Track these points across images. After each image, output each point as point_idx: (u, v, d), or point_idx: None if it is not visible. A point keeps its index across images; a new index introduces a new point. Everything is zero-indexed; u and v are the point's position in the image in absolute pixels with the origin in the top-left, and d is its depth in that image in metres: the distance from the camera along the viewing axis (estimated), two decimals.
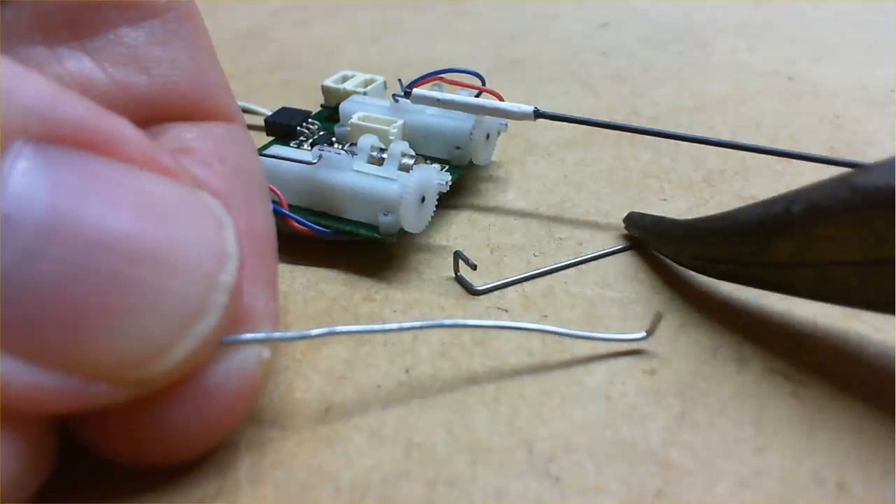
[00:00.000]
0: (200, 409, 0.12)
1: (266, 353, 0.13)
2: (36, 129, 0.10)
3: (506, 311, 0.17)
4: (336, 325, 0.13)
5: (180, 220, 0.11)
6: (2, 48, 0.10)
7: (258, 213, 0.14)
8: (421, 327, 0.14)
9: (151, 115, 0.14)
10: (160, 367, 0.11)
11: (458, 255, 0.18)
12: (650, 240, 0.19)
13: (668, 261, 0.18)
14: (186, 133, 0.14)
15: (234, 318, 0.12)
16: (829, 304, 0.15)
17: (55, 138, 0.10)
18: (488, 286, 0.18)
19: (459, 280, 0.18)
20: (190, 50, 0.14)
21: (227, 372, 0.12)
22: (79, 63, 0.13)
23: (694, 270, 0.17)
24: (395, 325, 0.14)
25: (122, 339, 0.10)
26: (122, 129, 0.11)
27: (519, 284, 0.18)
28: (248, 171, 0.14)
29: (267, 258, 0.14)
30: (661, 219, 0.18)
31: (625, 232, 0.20)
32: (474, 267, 0.18)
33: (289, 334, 0.13)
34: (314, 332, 0.13)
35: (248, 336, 0.12)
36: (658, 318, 0.15)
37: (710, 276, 0.17)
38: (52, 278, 0.09)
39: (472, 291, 0.18)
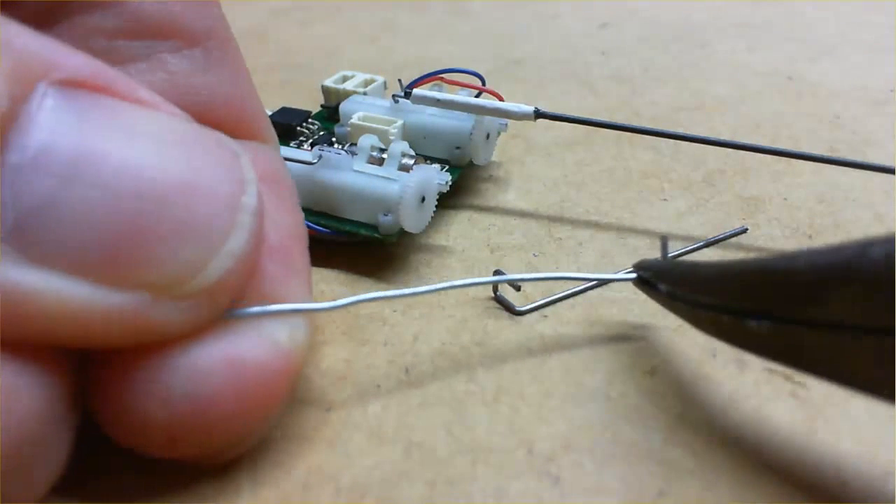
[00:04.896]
0: (233, 392, 0.12)
1: (299, 333, 0.13)
2: (56, 75, 0.10)
3: (505, 309, 0.17)
4: (356, 299, 0.14)
5: (198, 150, 0.12)
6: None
7: (291, 215, 0.15)
8: (448, 288, 0.14)
9: None
10: (201, 283, 0.11)
11: (498, 274, 0.17)
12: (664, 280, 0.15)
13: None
14: None
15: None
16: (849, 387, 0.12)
17: (74, 83, 0.11)
18: (532, 305, 0.17)
19: (499, 300, 0.17)
20: (229, 77, 0.15)
21: (256, 344, 0.12)
22: None
23: (703, 328, 0.14)
24: (423, 289, 0.14)
25: (158, 256, 0.11)
26: (131, 79, 0.12)
27: (520, 280, 0.18)
28: (279, 180, 0.15)
29: (300, 256, 0.14)
30: (679, 262, 0.16)
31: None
32: (518, 288, 0.17)
33: (317, 305, 0.13)
34: (340, 302, 0.13)
35: (277, 307, 0.12)
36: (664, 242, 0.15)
37: (722, 337, 0.13)
38: (87, 204, 0.10)
39: (515, 312, 0.17)
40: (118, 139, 0.11)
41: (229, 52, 0.15)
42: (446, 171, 0.20)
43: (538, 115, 0.20)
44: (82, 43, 0.13)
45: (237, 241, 0.11)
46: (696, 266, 0.14)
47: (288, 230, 0.14)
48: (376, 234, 0.18)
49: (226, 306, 0.12)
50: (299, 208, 0.15)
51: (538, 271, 0.19)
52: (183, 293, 0.11)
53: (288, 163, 0.19)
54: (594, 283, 0.17)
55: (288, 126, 0.22)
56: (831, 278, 0.11)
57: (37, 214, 0.10)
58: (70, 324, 0.10)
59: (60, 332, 0.10)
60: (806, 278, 0.11)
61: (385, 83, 0.24)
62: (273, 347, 0.12)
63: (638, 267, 0.15)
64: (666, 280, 0.14)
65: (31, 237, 0.10)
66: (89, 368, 0.12)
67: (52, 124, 0.10)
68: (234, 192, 0.12)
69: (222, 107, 0.14)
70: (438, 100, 0.21)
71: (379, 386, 0.15)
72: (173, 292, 0.11)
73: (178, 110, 0.12)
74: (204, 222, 0.11)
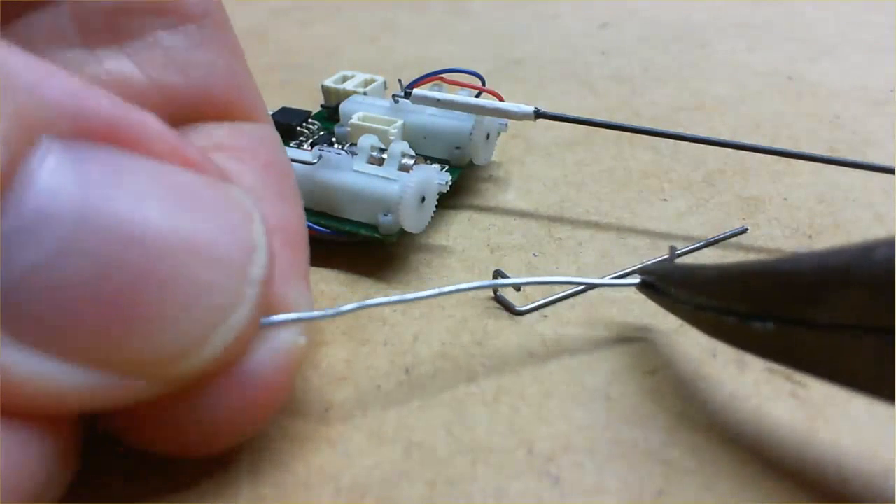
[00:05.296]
0: (236, 396, 0.12)
1: (301, 339, 0.13)
2: (62, 126, 0.10)
3: (506, 309, 0.17)
4: (361, 304, 0.13)
5: (208, 212, 0.11)
6: (35, 51, 0.11)
7: (291, 207, 0.14)
8: (450, 292, 0.14)
9: (186, 114, 0.14)
10: (196, 362, 0.11)
11: (498, 274, 0.17)
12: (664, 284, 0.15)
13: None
14: (219, 130, 0.14)
15: (269, 308, 0.12)
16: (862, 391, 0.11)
17: (82, 134, 0.10)
18: (532, 305, 0.17)
19: (499, 300, 0.17)
20: (225, 54, 0.14)
21: (262, 358, 0.12)
22: (118, 63, 0.13)
23: (706, 330, 0.14)
24: (425, 293, 0.14)
25: (156, 334, 0.10)
26: (148, 123, 0.11)
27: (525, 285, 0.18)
28: (279, 167, 0.15)
29: (300, 251, 0.14)
30: (680, 265, 0.15)
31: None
32: (518, 289, 0.17)
33: (321, 313, 0.13)
34: (346, 307, 0.13)
35: (282, 317, 0.12)
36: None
37: (724, 339, 0.14)
38: (85, 273, 0.09)
39: (515, 312, 0.17)
40: (121, 202, 0.10)
41: (225, 32, 0.15)
42: (446, 171, 0.20)
43: (538, 115, 0.20)
44: (81, 22, 0.13)
45: (240, 316, 0.11)
46: (697, 269, 0.14)
47: (287, 228, 0.14)
48: (376, 234, 0.18)
49: (218, 373, 0.12)
50: (298, 196, 0.15)
51: (538, 271, 0.19)
52: (176, 372, 0.11)
53: None
54: (596, 285, 0.17)
55: (288, 126, 0.22)
56: (833, 280, 0.11)
57: (26, 289, 0.09)
58: (62, 404, 0.10)
59: (54, 409, 0.10)
60: (809, 280, 0.11)
61: (385, 83, 0.24)
62: (275, 355, 0.12)
63: (641, 272, 0.16)
64: (668, 283, 0.15)
65: (19, 314, 0.09)
66: None
67: (52, 187, 0.09)
68: (241, 261, 0.11)
69: (220, 83, 0.14)
70: (438, 100, 0.21)
71: (379, 386, 0.15)
72: (168, 372, 0.11)
73: (195, 154, 0.12)
74: (205, 296, 0.10)
